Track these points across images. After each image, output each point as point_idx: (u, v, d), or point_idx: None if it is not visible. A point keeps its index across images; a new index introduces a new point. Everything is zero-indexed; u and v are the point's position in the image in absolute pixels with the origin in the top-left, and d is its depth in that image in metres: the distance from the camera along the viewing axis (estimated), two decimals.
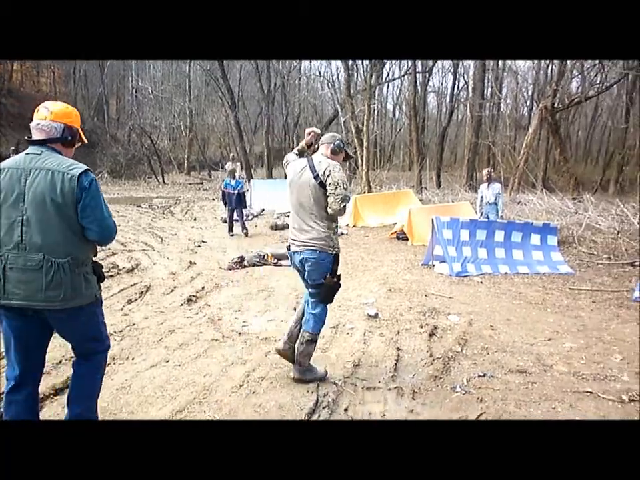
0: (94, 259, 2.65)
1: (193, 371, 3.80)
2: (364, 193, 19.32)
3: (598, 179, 28.02)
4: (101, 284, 2.68)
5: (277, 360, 4.00)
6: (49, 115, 2.49)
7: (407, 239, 11.04)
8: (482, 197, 10.31)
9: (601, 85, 21.04)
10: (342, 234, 12.28)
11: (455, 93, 30.79)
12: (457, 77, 29.71)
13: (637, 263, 8.26)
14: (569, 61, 19.04)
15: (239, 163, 22.14)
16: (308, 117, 35.33)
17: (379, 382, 3.67)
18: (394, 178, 26.65)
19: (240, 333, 4.78)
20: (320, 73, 32.44)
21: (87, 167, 2.48)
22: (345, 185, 3.43)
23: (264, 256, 8.62)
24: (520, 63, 27.25)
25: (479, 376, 3.78)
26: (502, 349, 4.38)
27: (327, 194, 3.42)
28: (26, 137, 2.54)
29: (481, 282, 7.26)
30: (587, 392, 3.51)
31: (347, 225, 13.74)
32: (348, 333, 4.79)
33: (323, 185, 3.43)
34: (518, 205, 14.93)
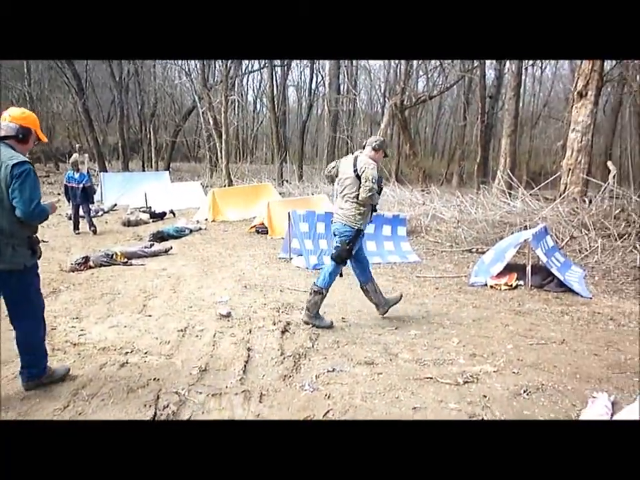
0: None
1: (9, 395, 3.30)
2: (224, 186, 18.93)
3: (443, 172, 30.52)
4: (37, 257, 3.29)
5: (113, 372, 3.64)
6: (7, 118, 3.17)
7: (267, 233, 10.98)
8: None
9: (442, 85, 22.80)
10: (200, 229, 11.87)
11: (313, 87, 31.39)
12: (314, 72, 30.31)
13: (474, 250, 9.03)
14: (414, 62, 20.33)
15: (86, 155, 20.39)
16: (166, 107, 33.65)
17: (227, 387, 3.49)
18: (256, 171, 26.53)
19: (75, 344, 4.29)
20: (175, 61, 31.00)
21: (24, 159, 3.08)
22: (373, 180, 4.49)
23: (112, 255, 7.97)
24: (372, 61, 28.58)
25: (328, 371, 3.76)
26: (352, 341, 4.44)
27: (360, 185, 4.51)
28: None
29: None
30: (428, 378, 3.66)
31: (206, 220, 13.31)
32: (197, 336, 4.54)
33: (358, 177, 4.54)
34: None
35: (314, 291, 4.77)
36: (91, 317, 5.12)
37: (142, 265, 7.86)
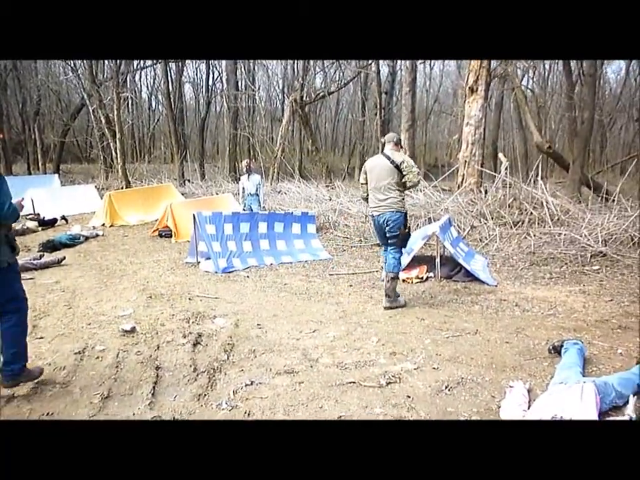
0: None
1: None
2: (121, 188, 17.85)
3: (345, 166, 31.04)
4: (17, 253, 3.48)
5: None
6: None
7: (171, 236, 10.43)
8: (243, 189, 10.31)
9: (340, 81, 23.13)
10: (97, 235, 11.05)
11: (210, 84, 30.53)
12: (210, 68, 29.45)
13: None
14: None
15: None
16: (51, 104, 31.10)
17: (134, 414, 3.14)
18: (155, 170, 25.32)
19: None
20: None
21: None
22: (415, 165, 5.25)
23: None
24: None
25: (246, 385, 3.53)
26: (269, 349, 4.23)
27: (404, 173, 5.14)
28: None
29: (247, 276, 7.14)
30: (351, 382, 3.54)
31: (103, 225, 12.43)
32: (98, 357, 4.10)
33: (397, 168, 5.14)
34: (279, 194, 15.43)
35: (391, 278, 5.31)
36: None
37: (30, 279, 7.09)
